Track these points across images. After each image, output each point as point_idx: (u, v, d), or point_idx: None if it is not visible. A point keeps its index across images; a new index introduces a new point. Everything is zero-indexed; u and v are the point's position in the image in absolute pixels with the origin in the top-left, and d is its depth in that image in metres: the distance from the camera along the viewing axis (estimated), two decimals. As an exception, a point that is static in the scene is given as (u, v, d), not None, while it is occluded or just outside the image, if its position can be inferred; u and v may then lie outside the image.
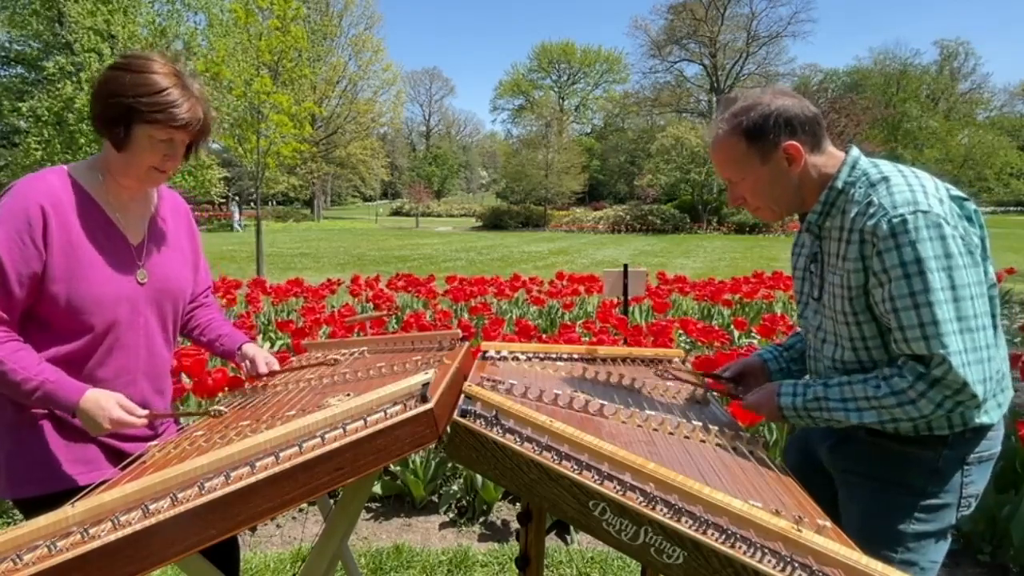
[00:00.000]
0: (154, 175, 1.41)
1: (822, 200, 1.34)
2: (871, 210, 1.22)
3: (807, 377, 1.49)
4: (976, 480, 1.30)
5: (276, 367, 1.63)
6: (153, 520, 0.88)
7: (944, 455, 1.27)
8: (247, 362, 1.62)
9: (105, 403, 1.29)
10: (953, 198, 1.25)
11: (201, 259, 1.67)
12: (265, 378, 1.62)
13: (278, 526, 2.91)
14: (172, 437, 1.33)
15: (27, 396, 1.27)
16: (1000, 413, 1.30)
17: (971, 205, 1.27)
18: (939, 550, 1.31)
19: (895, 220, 1.18)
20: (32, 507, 1.33)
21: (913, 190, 1.21)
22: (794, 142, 1.31)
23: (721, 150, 1.37)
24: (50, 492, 1.32)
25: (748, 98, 1.35)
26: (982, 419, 1.26)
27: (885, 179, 1.26)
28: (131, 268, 1.43)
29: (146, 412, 1.35)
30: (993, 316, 1.27)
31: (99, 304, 1.36)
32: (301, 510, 3.02)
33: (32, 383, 1.26)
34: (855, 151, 1.35)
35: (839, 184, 1.32)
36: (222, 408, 1.42)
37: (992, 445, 1.31)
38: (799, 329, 1.68)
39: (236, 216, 31.50)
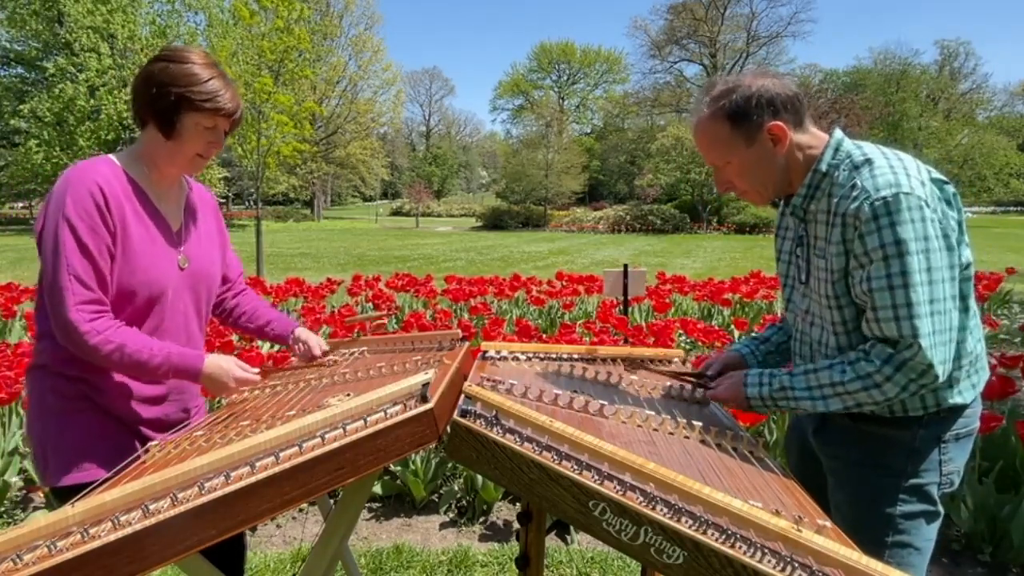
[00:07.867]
0: (198, 162, 1.47)
1: (807, 183, 1.34)
2: (854, 193, 1.22)
3: (802, 362, 1.48)
4: (954, 457, 1.32)
5: (327, 348, 1.73)
6: (153, 520, 0.88)
7: (920, 435, 1.29)
8: (300, 344, 1.70)
9: (226, 364, 1.42)
10: (934, 180, 1.25)
11: (229, 246, 1.74)
12: (320, 358, 1.70)
13: (278, 526, 2.91)
14: (176, 436, 1.33)
15: (154, 372, 1.36)
16: (975, 393, 1.32)
17: (951, 188, 1.27)
18: (931, 528, 1.32)
19: (877, 203, 1.18)
20: (71, 496, 1.34)
21: (895, 172, 1.21)
22: (778, 122, 1.31)
23: (705, 135, 1.36)
24: (90, 481, 1.32)
25: (728, 81, 1.35)
26: (955, 399, 1.28)
27: (868, 161, 1.26)
28: (174, 253, 1.49)
29: (259, 368, 1.45)
30: (966, 298, 1.28)
31: (147, 287, 1.40)
32: (301, 510, 3.02)
33: (158, 358, 1.35)
34: (838, 133, 1.35)
35: (823, 167, 1.32)
36: (335, 357, 1.54)
37: (968, 423, 1.33)
38: (780, 319, 1.68)
39: None
